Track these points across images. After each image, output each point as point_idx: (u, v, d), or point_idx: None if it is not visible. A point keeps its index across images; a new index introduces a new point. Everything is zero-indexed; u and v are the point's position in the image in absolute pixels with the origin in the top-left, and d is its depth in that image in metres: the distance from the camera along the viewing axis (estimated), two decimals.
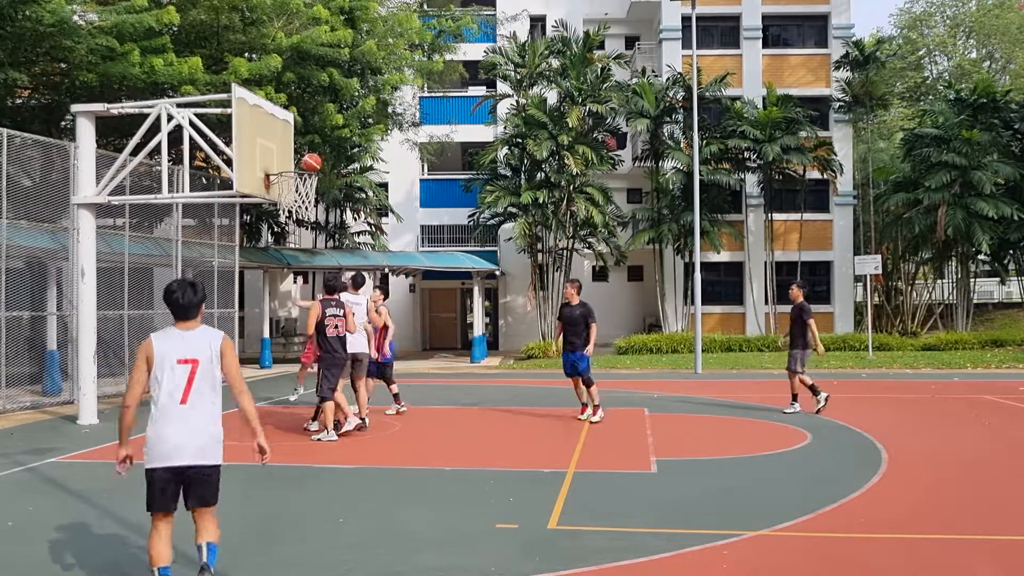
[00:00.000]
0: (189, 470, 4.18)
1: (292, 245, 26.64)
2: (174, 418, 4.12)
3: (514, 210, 23.62)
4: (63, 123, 16.40)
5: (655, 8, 28.68)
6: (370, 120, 18.21)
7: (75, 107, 11.03)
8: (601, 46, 26.97)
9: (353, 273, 10.65)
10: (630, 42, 30.76)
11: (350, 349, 9.37)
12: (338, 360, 9.14)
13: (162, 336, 4.23)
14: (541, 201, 22.76)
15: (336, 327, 9.11)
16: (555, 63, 24.41)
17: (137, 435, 4.16)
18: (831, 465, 7.77)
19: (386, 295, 11.06)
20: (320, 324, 9.08)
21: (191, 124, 10.32)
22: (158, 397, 4.14)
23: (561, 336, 10.58)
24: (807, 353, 10.98)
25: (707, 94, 24.91)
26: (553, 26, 25.52)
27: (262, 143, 10.29)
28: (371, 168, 25.05)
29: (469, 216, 25.64)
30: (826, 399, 10.91)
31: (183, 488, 4.23)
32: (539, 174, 24.03)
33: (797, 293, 11.22)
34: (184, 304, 4.22)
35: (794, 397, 11.05)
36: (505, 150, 24.47)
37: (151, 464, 4.14)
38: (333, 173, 19.53)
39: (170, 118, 10.36)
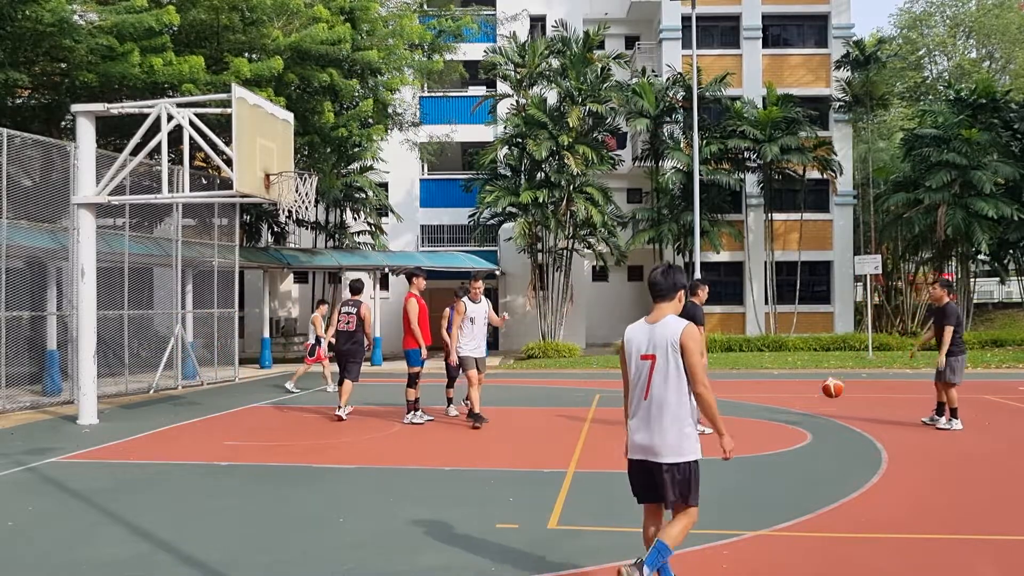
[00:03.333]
0: (657, 468, 4.08)
1: (292, 245, 26.64)
2: (640, 415, 4.12)
3: (514, 210, 23.62)
4: (63, 123, 16.40)
5: (655, 8, 28.69)
6: (370, 120, 18.21)
7: (75, 107, 11.02)
8: (601, 46, 26.99)
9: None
10: (630, 42, 30.78)
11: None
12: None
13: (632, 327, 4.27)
14: (541, 201, 22.76)
15: (348, 323, 11.02)
16: (555, 63, 24.41)
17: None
18: (831, 465, 7.76)
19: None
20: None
21: (191, 124, 10.32)
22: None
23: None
24: (962, 360, 9.67)
25: (707, 94, 24.92)
26: (553, 26, 25.52)
27: (262, 143, 10.29)
28: (371, 168, 25.05)
29: (469, 216, 25.65)
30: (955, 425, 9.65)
31: (651, 479, 4.12)
32: (539, 174, 24.03)
33: (941, 294, 9.84)
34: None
35: (953, 412, 9.69)
36: (505, 150, 24.47)
37: (629, 455, 4.21)
38: (333, 173, 19.53)
39: (170, 118, 10.36)
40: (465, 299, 10.37)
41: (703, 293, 9.64)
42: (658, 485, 4.07)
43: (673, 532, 4.08)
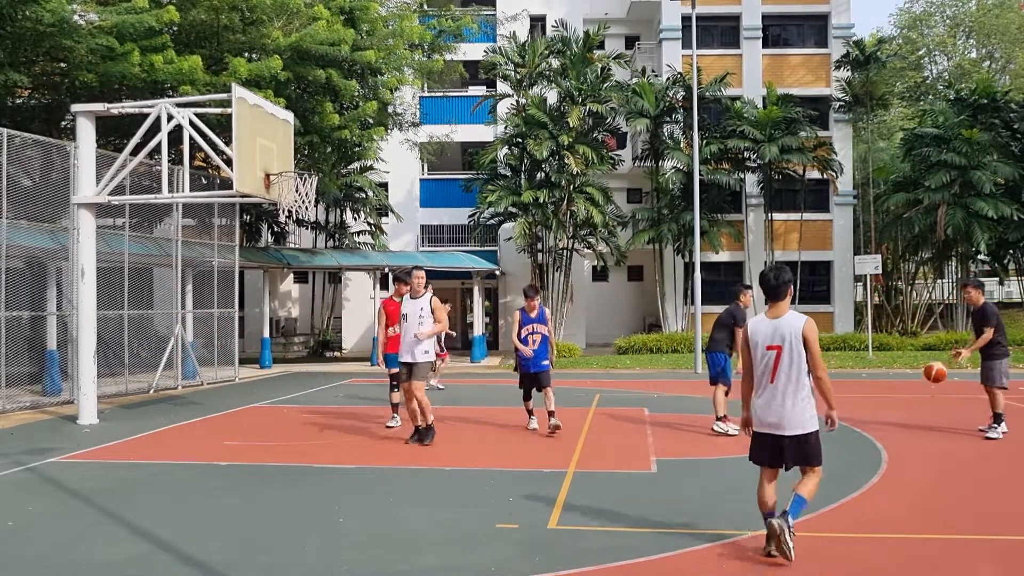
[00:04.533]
0: (784, 439, 4.94)
1: (292, 245, 26.65)
2: (766, 396, 4.97)
3: (514, 210, 23.62)
4: (63, 123, 16.40)
5: (655, 8, 28.69)
6: (370, 121, 18.22)
7: (75, 107, 11.02)
8: (601, 46, 26.98)
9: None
10: (630, 42, 30.77)
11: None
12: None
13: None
14: (541, 201, 22.75)
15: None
16: (555, 63, 24.41)
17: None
18: (831, 465, 7.72)
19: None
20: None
21: (191, 124, 10.32)
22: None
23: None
24: (1005, 363, 9.28)
25: (707, 94, 24.91)
26: (553, 26, 25.52)
27: (262, 143, 10.29)
28: (371, 168, 25.04)
29: (469, 216, 25.64)
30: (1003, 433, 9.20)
31: (782, 450, 4.97)
32: (539, 174, 24.03)
33: (976, 295, 9.37)
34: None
35: (996, 417, 9.24)
36: (505, 150, 24.47)
37: (756, 428, 5.10)
38: (333, 173, 19.53)
39: (170, 118, 10.36)
40: (405, 294, 9.05)
41: (747, 298, 9.71)
42: (784, 453, 4.95)
43: (809, 487, 4.95)
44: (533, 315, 9.57)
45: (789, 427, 4.89)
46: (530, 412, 9.92)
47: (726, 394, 9.64)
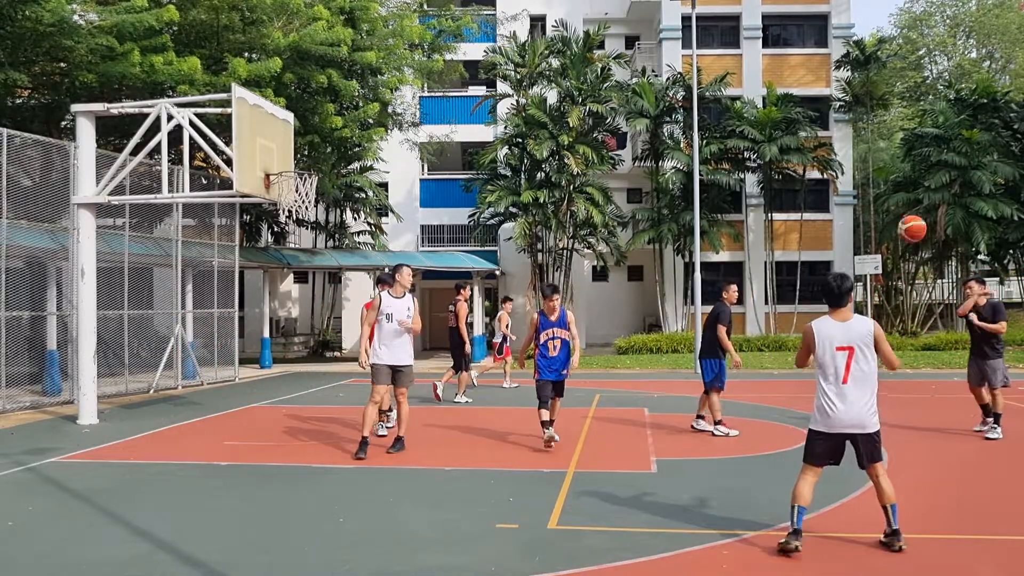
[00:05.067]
0: (851, 436, 5.21)
1: (292, 245, 26.65)
2: (839, 395, 5.17)
3: (514, 210, 23.62)
4: (63, 123, 16.40)
5: (655, 8, 28.69)
6: (370, 121, 18.22)
7: (75, 107, 11.02)
8: (601, 46, 26.98)
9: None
10: (630, 42, 30.77)
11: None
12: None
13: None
14: (541, 201, 22.75)
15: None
16: (555, 63, 24.41)
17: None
18: (831, 465, 7.74)
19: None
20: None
21: (191, 124, 10.32)
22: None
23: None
24: (1003, 362, 9.27)
25: (707, 94, 24.91)
26: (553, 26, 25.52)
27: (262, 143, 10.29)
28: (371, 168, 25.04)
29: (469, 216, 25.64)
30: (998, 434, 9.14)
31: (855, 448, 5.24)
32: (539, 174, 24.03)
33: (980, 290, 9.29)
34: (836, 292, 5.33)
35: (996, 418, 9.21)
36: (505, 150, 24.46)
37: (815, 428, 5.30)
38: (333, 173, 19.53)
39: (170, 118, 10.36)
40: (384, 292, 8.44)
41: (731, 294, 9.70)
42: (858, 450, 5.20)
43: (889, 490, 5.22)
44: (553, 318, 8.64)
45: (867, 425, 5.13)
46: (548, 423, 8.68)
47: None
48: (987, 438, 9.11)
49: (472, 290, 23.41)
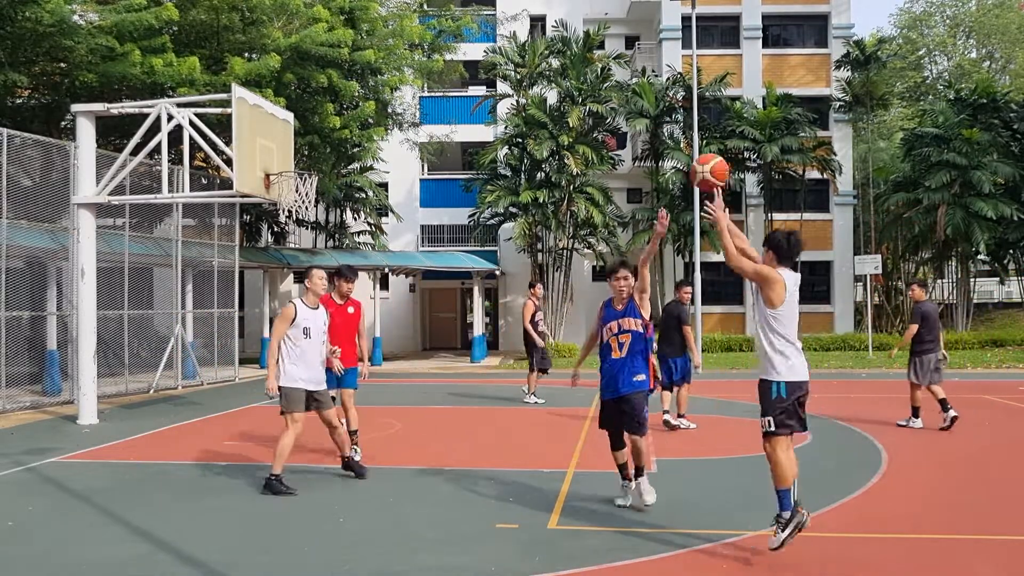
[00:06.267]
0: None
1: (292, 245, 26.64)
2: None
3: (514, 210, 23.62)
4: (63, 123, 16.40)
5: (655, 8, 28.69)
6: (370, 121, 18.22)
7: (75, 107, 11.03)
8: (601, 46, 26.98)
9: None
10: (630, 42, 30.77)
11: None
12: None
13: None
14: (541, 201, 22.75)
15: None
16: (555, 63, 24.41)
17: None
18: (831, 465, 7.76)
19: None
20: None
21: (191, 124, 10.33)
22: None
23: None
24: (931, 360, 9.83)
25: (707, 94, 24.91)
26: (553, 26, 25.52)
27: (262, 143, 10.29)
28: (371, 168, 25.05)
29: (469, 216, 25.65)
30: (953, 419, 9.60)
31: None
32: (539, 174, 24.03)
33: (920, 293, 9.98)
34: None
35: (915, 411, 9.93)
36: (505, 150, 24.47)
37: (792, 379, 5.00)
38: (333, 173, 19.53)
39: (170, 118, 10.36)
40: (298, 300, 6.96)
41: (684, 293, 10.29)
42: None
43: None
44: (620, 307, 5.94)
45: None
46: (627, 474, 6.11)
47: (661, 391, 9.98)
48: (900, 424, 9.96)
49: (472, 290, 23.45)
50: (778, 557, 4.97)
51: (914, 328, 9.88)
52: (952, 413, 9.61)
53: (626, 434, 5.92)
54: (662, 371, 9.95)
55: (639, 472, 5.97)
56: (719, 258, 26.63)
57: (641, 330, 5.87)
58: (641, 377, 5.83)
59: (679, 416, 10.02)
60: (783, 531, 4.81)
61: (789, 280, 5.10)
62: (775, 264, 5.12)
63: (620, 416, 5.90)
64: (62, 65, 13.88)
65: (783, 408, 4.94)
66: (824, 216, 27.57)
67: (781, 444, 4.96)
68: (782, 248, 5.14)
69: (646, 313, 5.90)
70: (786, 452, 4.96)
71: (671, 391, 10.14)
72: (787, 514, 4.84)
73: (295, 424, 6.79)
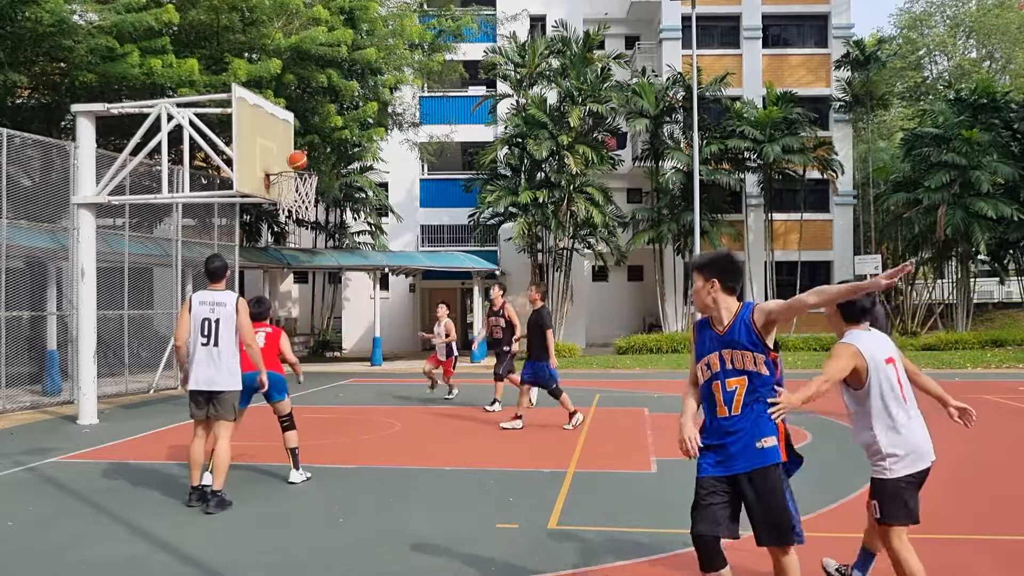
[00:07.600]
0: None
1: (292, 245, 26.65)
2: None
3: (514, 210, 23.62)
4: (63, 123, 16.40)
5: (655, 8, 28.69)
6: (370, 121, 18.23)
7: (75, 107, 11.03)
8: (601, 46, 26.99)
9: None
10: (630, 42, 30.78)
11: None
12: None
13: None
14: (541, 201, 22.76)
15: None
16: (555, 63, 24.42)
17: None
18: (831, 465, 7.76)
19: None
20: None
21: (191, 124, 10.33)
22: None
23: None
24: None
25: (707, 94, 24.92)
26: (553, 26, 25.53)
27: (262, 143, 10.29)
28: (371, 168, 25.06)
29: (469, 216, 25.65)
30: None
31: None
32: (539, 174, 24.04)
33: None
34: None
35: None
36: (505, 150, 24.48)
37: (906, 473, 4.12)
38: (333, 173, 19.53)
39: (170, 118, 10.36)
40: (195, 294, 6.42)
41: (534, 294, 10.40)
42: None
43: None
44: (720, 328, 3.88)
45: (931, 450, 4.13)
46: None
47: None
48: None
49: (472, 290, 23.44)
50: None
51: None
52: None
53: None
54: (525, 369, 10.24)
55: None
56: None
57: (756, 370, 3.68)
58: (771, 441, 3.71)
59: (515, 418, 10.17)
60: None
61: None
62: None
63: (726, 501, 3.85)
64: (62, 65, 13.89)
65: None
66: (824, 216, 27.57)
67: None
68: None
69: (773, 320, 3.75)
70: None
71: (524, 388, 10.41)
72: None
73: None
